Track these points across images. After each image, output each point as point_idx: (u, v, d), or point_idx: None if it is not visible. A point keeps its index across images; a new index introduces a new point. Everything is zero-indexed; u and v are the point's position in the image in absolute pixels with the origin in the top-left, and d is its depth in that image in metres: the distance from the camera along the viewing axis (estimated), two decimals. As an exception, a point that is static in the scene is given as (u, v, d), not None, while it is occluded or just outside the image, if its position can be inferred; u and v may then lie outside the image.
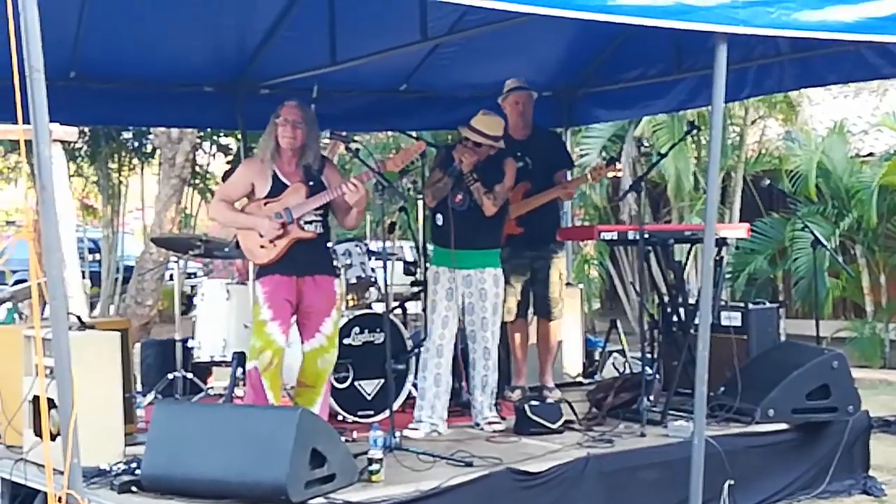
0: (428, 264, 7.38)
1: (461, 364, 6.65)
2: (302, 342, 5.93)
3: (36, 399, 4.98)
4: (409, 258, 12.20)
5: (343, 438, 5.44)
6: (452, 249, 6.27)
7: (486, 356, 6.43)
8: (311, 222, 5.83)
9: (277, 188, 5.81)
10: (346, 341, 6.69)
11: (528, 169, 7.25)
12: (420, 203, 7.28)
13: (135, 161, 17.03)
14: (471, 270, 6.38)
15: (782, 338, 7.49)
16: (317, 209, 5.83)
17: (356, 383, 6.73)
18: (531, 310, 7.54)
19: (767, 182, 8.56)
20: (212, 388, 7.38)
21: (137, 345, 7.99)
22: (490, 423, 6.36)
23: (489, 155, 6.37)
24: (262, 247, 5.79)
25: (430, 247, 6.92)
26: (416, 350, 6.90)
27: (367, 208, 6.81)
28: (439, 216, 6.40)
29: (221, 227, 6.99)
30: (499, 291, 6.47)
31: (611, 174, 7.70)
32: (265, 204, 5.80)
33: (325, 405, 5.97)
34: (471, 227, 6.33)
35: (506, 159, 6.51)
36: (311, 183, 5.82)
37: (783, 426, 6.27)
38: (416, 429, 6.22)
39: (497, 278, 6.45)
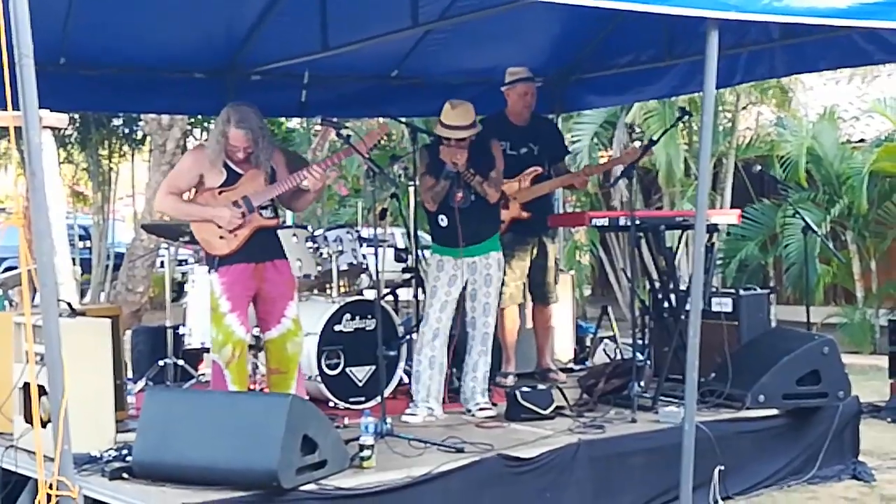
0: (420, 252, 7.37)
1: (453, 350, 6.64)
2: (267, 329, 5.84)
3: (26, 386, 4.97)
4: (401, 245, 12.19)
5: (334, 425, 5.45)
6: (461, 247, 6.25)
7: (484, 342, 6.42)
8: (265, 208, 5.78)
9: (233, 177, 5.73)
10: (337, 328, 6.70)
11: (535, 154, 7.36)
12: (411, 190, 7.26)
13: (125, 148, 17.00)
14: (476, 257, 6.37)
15: (773, 324, 7.50)
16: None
17: (347, 370, 6.72)
18: (527, 295, 7.56)
19: (759, 168, 8.58)
20: (203, 374, 7.37)
21: (128, 332, 7.98)
22: (482, 409, 6.36)
23: (472, 142, 6.33)
24: (221, 237, 5.69)
25: (424, 236, 6.88)
26: (408, 336, 6.89)
27: (358, 194, 6.78)
28: (443, 217, 6.35)
29: (172, 218, 6.89)
30: (500, 275, 6.48)
31: (644, 159, 7.77)
32: (220, 193, 5.71)
33: (301, 390, 5.91)
34: (477, 221, 6.32)
35: (490, 141, 6.49)
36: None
37: (773, 412, 6.28)
38: (413, 414, 6.21)
39: (500, 262, 6.46)
